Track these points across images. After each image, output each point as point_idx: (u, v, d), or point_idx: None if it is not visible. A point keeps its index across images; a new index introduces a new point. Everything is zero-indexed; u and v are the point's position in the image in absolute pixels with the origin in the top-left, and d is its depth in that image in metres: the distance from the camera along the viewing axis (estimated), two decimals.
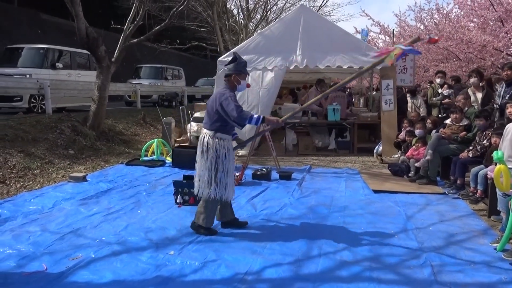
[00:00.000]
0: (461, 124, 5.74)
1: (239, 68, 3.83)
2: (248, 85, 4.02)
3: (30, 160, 6.18)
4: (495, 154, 3.51)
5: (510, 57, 9.78)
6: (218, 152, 3.68)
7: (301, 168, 6.89)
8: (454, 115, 5.81)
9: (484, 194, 4.62)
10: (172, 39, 17.99)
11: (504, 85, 5.58)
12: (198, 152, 3.80)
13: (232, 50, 8.61)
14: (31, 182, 5.61)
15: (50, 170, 6.21)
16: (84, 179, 5.77)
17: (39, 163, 6.25)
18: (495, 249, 3.41)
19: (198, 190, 3.78)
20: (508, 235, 3.34)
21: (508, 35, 9.06)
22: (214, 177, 3.69)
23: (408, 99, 8.62)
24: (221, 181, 3.70)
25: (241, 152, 8.01)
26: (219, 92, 3.78)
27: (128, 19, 8.96)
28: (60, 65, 11.40)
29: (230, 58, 8.41)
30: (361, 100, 12.76)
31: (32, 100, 9.86)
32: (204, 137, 3.76)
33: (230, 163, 3.78)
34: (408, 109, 8.57)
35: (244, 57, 8.00)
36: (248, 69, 8.22)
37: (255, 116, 3.69)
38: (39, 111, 9.86)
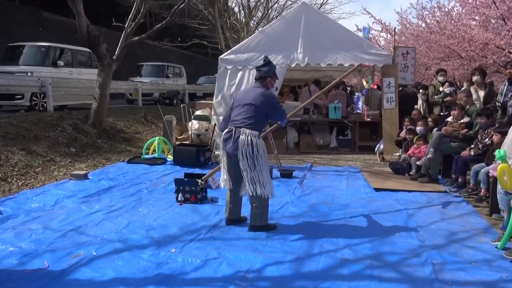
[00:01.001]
0: (462, 121, 5.73)
1: (274, 70, 3.95)
2: (276, 88, 4.20)
3: (31, 158, 6.20)
4: (497, 153, 3.51)
5: None
6: (264, 152, 3.76)
7: (302, 166, 6.90)
8: (454, 112, 5.81)
9: (488, 192, 4.61)
10: (173, 37, 17.95)
11: (507, 83, 5.56)
12: (244, 154, 3.63)
13: (233, 48, 8.60)
14: (32, 180, 5.63)
15: (52, 168, 6.22)
16: (85, 177, 5.78)
17: (41, 161, 6.26)
18: (496, 247, 3.41)
19: (252, 192, 3.69)
20: (510, 234, 3.34)
21: (510, 33, 9.03)
22: (266, 176, 3.74)
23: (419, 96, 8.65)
24: (269, 178, 3.79)
25: None
26: (264, 94, 3.77)
27: (129, 17, 8.95)
28: (61, 63, 11.40)
29: (232, 56, 8.45)
30: (362, 98, 12.72)
31: (34, 98, 9.87)
32: (250, 138, 3.64)
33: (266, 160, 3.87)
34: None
35: (245, 55, 8.13)
36: (249, 66, 8.33)
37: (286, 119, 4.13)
38: (41, 109, 9.87)
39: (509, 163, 4.08)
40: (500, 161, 3.53)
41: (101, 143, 8.08)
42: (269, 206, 3.90)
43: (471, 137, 5.45)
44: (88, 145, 7.70)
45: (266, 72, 3.87)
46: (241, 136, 3.66)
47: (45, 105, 9.72)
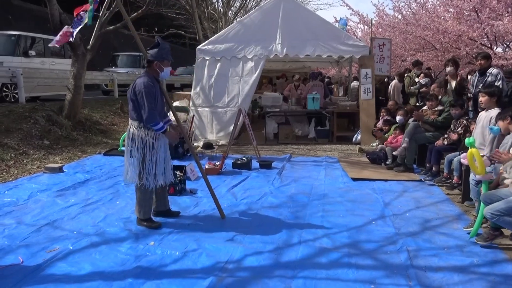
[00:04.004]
0: (435, 109, 5.90)
1: (162, 54, 3.62)
2: (172, 72, 3.82)
3: (3, 151, 6.00)
4: (466, 140, 3.61)
5: (484, 47, 10.02)
6: (144, 143, 3.59)
7: (281, 157, 6.93)
8: (430, 103, 5.95)
9: (460, 180, 4.75)
10: (150, 26, 17.62)
11: (478, 74, 5.72)
12: (125, 144, 3.71)
13: (211, 39, 8.51)
14: (4, 173, 5.46)
15: (25, 161, 6.05)
16: (60, 170, 5.65)
17: (13, 154, 6.07)
18: (469, 233, 3.52)
19: (132, 181, 3.69)
20: (480, 222, 3.46)
21: (482, 26, 9.26)
22: (143, 168, 3.61)
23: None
24: (149, 171, 3.63)
25: (222, 142, 7.99)
26: (137, 82, 3.57)
27: (104, 5, 8.70)
28: (33, 52, 11.03)
29: (210, 46, 8.37)
30: (341, 89, 12.88)
31: (4, 89, 9.54)
32: (130, 127, 3.65)
33: (160, 151, 3.69)
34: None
35: (224, 46, 8.06)
36: (227, 58, 8.27)
37: (160, 126, 3.59)
38: (12, 100, 9.55)
39: (480, 153, 4.22)
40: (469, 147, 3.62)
41: (76, 135, 7.90)
42: (148, 200, 3.73)
43: (437, 124, 5.60)
44: (62, 137, 7.52)
45: (152, 56, 3.61)
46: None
47: (17, 96, 9.41)
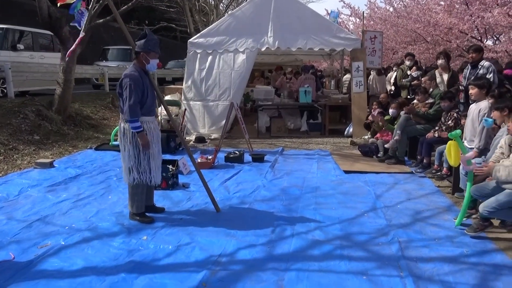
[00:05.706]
0: (426, 102, 5.94)
1: (148, 46, 3.54)
2: (160, 65, 3.74)
3: None
4: (452, 133, 3.65)
5: (474, 39, 10.09)
6: (137, 137, 3.52)
7: (274, 150, 6.94)
8: (419, 96, 6.00)
9: (450, 171, 4.80)
10: (140, 19, 17.44)
11: (470, 67, 5.75)
12: (118, 140, 3.67)
13: (202, 32, 8.46)
14: None
15: (15, 156, 5.98)
16: (51, 165, 5.60)
17: (2, 150, 6.00)
18: (460, 224, 3.57)
19: (127, 177, 3.65)
20: (465, 211, 3.53)
21: (473, 18, 9.31)
22: (137, 163, 3.58)
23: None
24: (143, 165, 3.60)
25: (214, 135, 7.98)
26: (125, 74, 3.51)
27: None
28: (21, 46, 10.87)
29: (201, 40, 8.30)
30: (333, 82, 12.90)
31: None
32: (121, 122, 3.59)
33: (153, 145, 3.64)
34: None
35: (215, 39, 8.01)
36: (219, 51, 8.21)
37: (137, 125, 3.47)
38: (0, 95, 9.41)
39: (470, 146, 4.26)
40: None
41: (66, 130, 7.82)
42: (141, 195, 3.69)
43: (429, 117, 5.65)
44: (53, 132, 7.44)
45: (138, 47, 3.55)
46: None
47: (5, 91, 9.28)
